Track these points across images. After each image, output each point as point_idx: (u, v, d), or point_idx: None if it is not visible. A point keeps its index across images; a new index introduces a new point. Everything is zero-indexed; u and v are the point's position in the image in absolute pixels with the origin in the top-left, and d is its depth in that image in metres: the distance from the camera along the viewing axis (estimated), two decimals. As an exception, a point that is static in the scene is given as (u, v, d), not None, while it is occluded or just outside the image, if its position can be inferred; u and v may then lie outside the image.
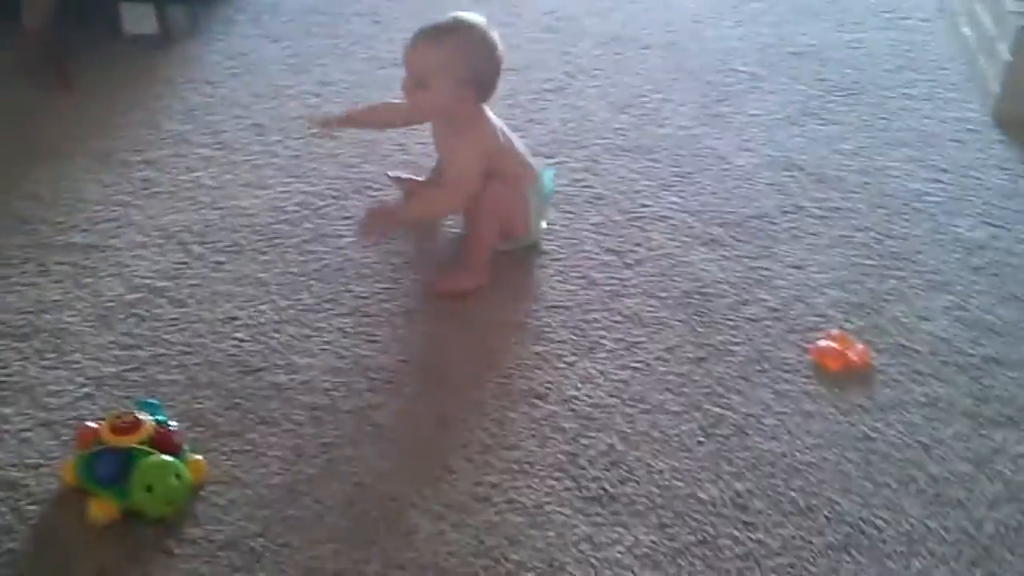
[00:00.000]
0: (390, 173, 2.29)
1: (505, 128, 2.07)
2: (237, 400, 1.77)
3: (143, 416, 1.60)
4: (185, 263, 2.08)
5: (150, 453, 1.54)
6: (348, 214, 2.20)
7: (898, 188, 2.34)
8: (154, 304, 1.97)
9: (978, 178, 2.38)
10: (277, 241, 2.14)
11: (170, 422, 1.64)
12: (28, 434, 1.68)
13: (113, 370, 1.81)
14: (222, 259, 2.09)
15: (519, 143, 2.10)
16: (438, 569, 1.50)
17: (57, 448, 1.66)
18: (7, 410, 1.72)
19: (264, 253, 2.11)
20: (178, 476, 1.53)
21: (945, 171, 2.41)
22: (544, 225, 2.14)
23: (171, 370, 1.81)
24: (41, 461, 1.64)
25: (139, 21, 2.83)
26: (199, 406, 1.75)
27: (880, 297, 2.02)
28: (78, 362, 1.84)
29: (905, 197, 2.31)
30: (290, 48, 2.87)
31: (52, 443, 1.67)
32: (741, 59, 2.84)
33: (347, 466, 1.66)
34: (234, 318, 1.95)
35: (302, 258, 2.09)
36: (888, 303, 2.01)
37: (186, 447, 1.62)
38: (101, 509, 1.53)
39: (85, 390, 1.76)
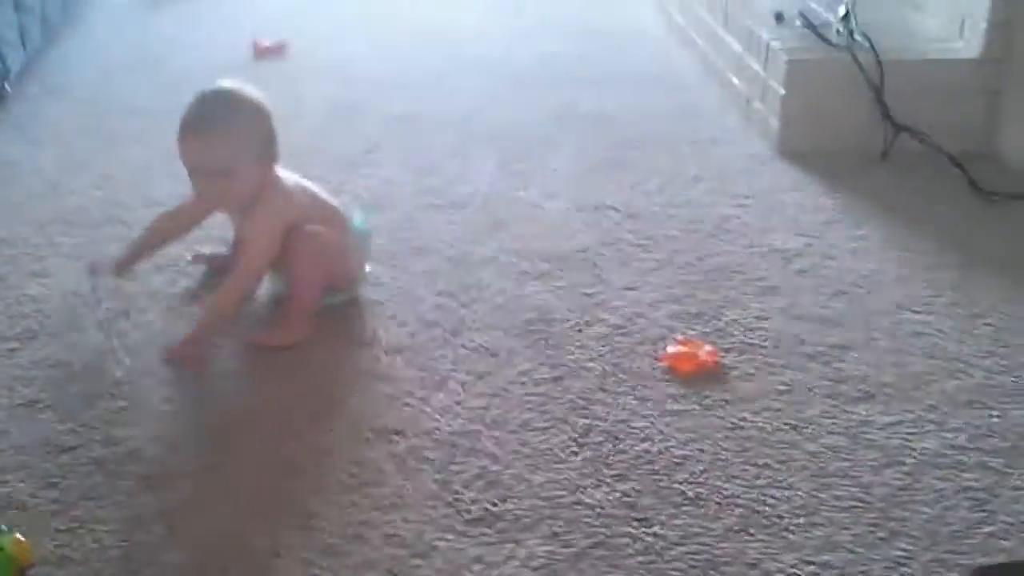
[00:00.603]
0: (190, 255, 2.11)
1: (302, 181, 1.96)
2: (53, 479, 1.55)
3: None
4: (-35, 356, 1.84)
5: (-41, 532, 1.31)
6: (153, 288, 2.02)
7: (706, 215, 2.38)
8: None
9: (779, 199, 2.46)
10: (75, 322, 1.93)
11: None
12: None
13: None
14: (15, 346, 1.86)
15: (322, 192, 2.00)
16: (317, 615, 1.33)
17: None
18: None
19: (62, 335, 1.89)
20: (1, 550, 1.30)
21: (747, 197, 2.47)
22: (367, 269, 2.04)
23: (-33, 461, 1.57)
24: None
25: None
26: (6, 490, 1.52)
27: (715, 305, 2.02)
28: None
29: (715, 221, 2.35)
30: (61, 149, 2.68)
31: None
32: (531, 125, 2.86)
33: (194, 529, 1.46)
34: (36, 401, 1.72)
35: (105, 335, 1.89)
36: (724, 309, 2.01)
37: (3, 526, 1.38)
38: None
39: None
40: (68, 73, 3.19)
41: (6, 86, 2.93)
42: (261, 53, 3.40)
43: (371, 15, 3.85)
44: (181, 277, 2.07)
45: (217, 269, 2.06)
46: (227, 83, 1.87)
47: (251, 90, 1.87)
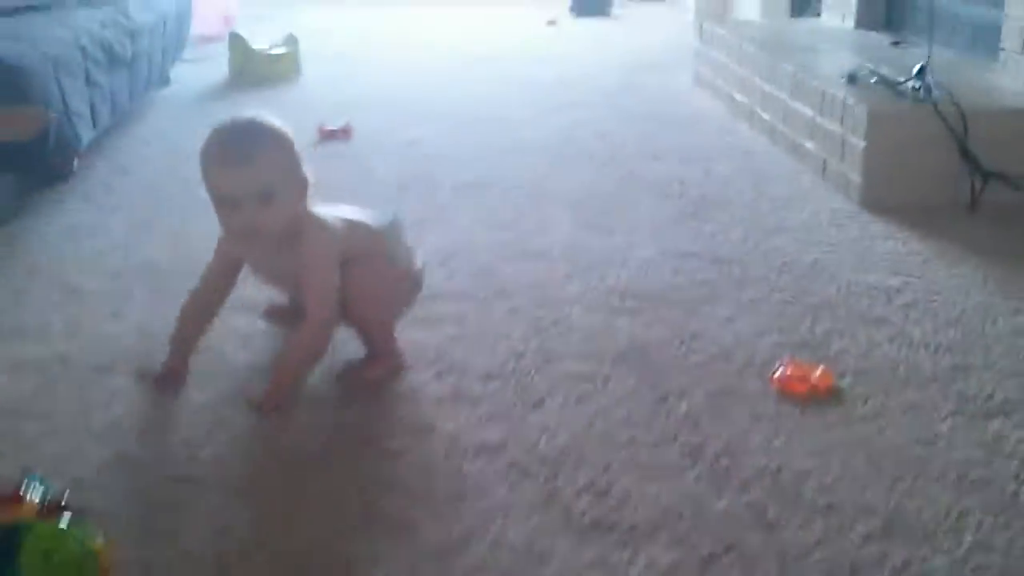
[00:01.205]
0: (264, 315, 2.01)
1: (327, 205, 1.79)
2: (136, 493, 1.46)
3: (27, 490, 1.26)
4: (49, 385, 1.76)
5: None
6: (234, 325, 1.95)
7: (796, 260, 2.29)
8: (16, 423, 1.64)
9: (869, 246, 2.37)
10: (152, 354, 1.85)
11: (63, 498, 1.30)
12: None
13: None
14: (92, 376, 1.79)
15: (347, 209, 1.83)
16: (428, 616, 1.21)
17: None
18: None
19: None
20: (82, 541, 1.20)
21: (835, 245, 2.38)
22: (418, 262, 1.92)
23: (46, 477, 1.47)
24: None
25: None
26: (89, 505, 1.41)
27: (821, 336, 1.92)
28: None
29: (807, 264, 2.26)
30: (129, 215, 2.64)
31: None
32: (601, 190, 2.81)
33: (286, 539, 1.36)
34: (115, 424, 1.64)
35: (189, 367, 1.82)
36: (831, 339, 1.90)
37: (88, 528, 1.28)
38: (-23, 609, 1.16)
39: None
40: (134, 154, 3.19)
41: (75, 161, 2.93)
42: (326, 136, 3.40)
43: (432, 103, 3.86)
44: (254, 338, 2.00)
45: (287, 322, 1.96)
46: (246, 113, 1.74)
47: (269, 116, 1.74)
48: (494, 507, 1.42)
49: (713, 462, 1.52)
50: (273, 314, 2.01)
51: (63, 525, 1.21)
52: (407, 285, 1.88)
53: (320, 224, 1.73)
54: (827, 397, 1.69)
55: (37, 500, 1.25)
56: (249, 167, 1.64)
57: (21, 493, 1.25)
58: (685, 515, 1.39)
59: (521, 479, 1.48)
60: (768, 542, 1.34)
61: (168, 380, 1.75)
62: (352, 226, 1.80)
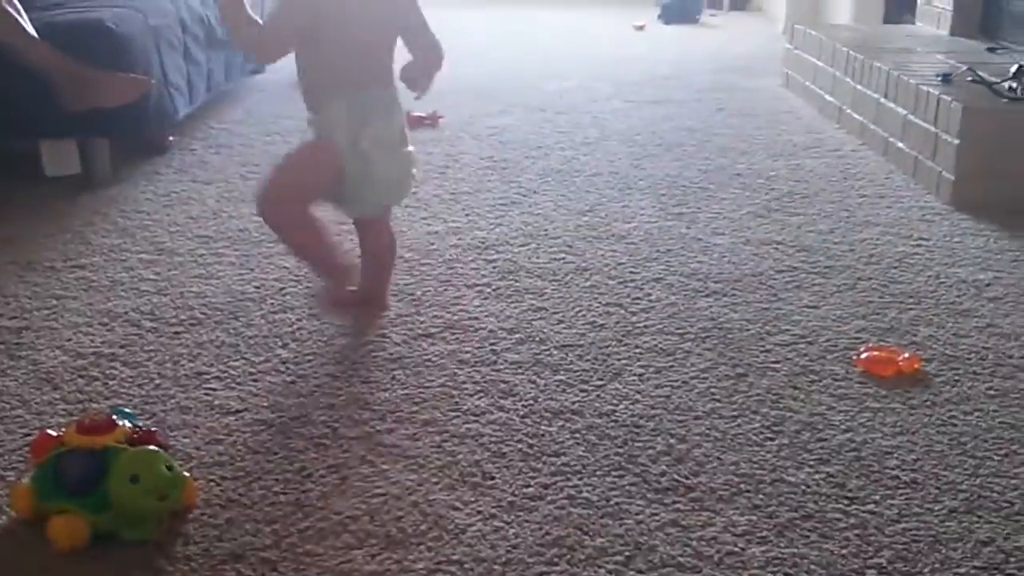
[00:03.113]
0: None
1: None
2: (219, 437, 1.49)
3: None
4: (138, 335, 1.81)
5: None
6: (312, 291, 1.98)
7: (884, 252, 2.26)
8: (105, 368, 1.69)
9: (960, 242, 2.33)
10: (240, 314, 1.89)
11: (151, 432, 1.34)
12: (-39, 477, 1.36)
13: (62, 420, 1.50)
14: (179, 330, 1.83)
15: None
16: (501, 561, 1.21)
17: (0, 488, 1.34)
18: (-67, 456, 1.40)
19: (227, 322, 1.86)
20: (169, 468, 1.23)
21: (925, 239, 2.34)
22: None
23: (136, 417, 1.51)
24: (-20, 499, 1.31)
25: (61, 161, 2.64)
26: (172, 443, 1.45)
27: (907, 322, 1.89)
28: (21, 416, 1.53)
29: (896, 256, 2.23)
30: (223, 187, 2.70)
31: (-8, 484, 1.35)
32: (685, 181, 2.79)
33: (364, 482, 1.38)
34: (202, 373, 1.68)
35: (270, 324, 1.85)
36: (918, 326, 1.87)
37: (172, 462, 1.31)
38: (67, 529, 1.20)
39: (30, 438, 1.44)
40: (229, 132, 3.26)
41: (171, 135, 3.01)
42: (415, 123, 3.43)
43: (521, 96, 3.88)
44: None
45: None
46: None
47: None
48: (570, 466, 1.42)
49: (793, 436, 1.50)
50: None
51: (150, 453, 1.24)
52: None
53: None
54: (913, 379, 1.67)
55: (128, 428, 1.29)
56: None
57: (112, 418, 1.29)
58: (764, 482, 1.38)
59: (598, 441, 1.48)
60: (848, 512, 1.32)
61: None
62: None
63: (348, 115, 1.71)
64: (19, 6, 2.35)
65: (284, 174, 1.78)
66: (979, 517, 1.31)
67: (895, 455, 1.45)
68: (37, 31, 2.37)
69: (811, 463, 1.43)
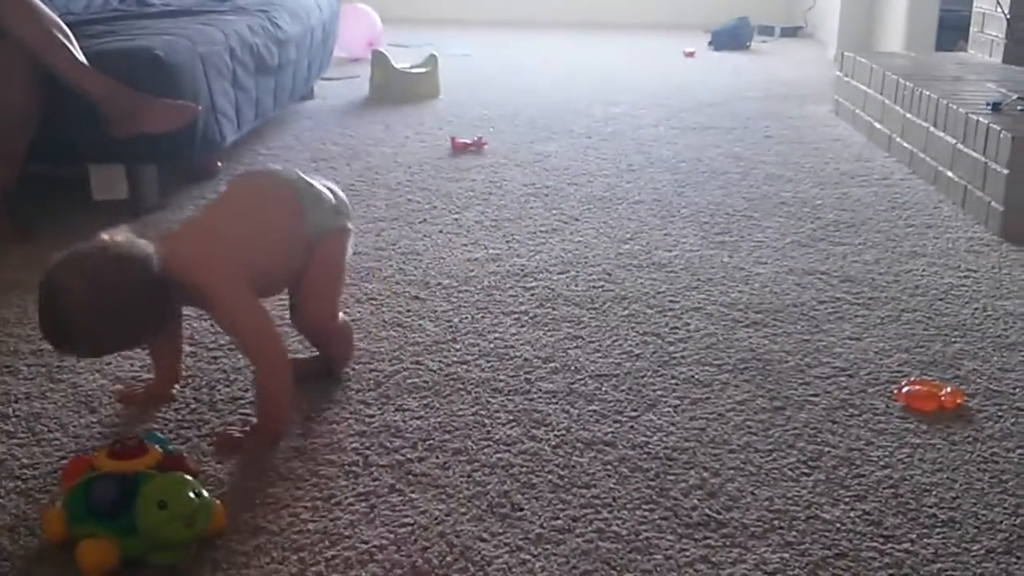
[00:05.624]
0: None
1: (203, 221, 1.69)
2: (250, 463, 1.49)
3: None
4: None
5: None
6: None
7: (930, 283, 2.22)
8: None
9: (1008, 274, 2.28)
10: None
11: (182, 457, 1.35)
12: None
13: (98, 443, 1.52)
14: (218, 355, 1.84)
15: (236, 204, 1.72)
16: (528, 595, 1.20)
17: (33, 511, 1.35)
18: (-30, 478, 1.42)
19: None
20: (197, 494, 1.23)
21: (972, 271, 2.30)
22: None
23: (169, 442, 1.52)
24: (16, 522, 1.33)
25: (109, 186, 2.68)
26: (204, 468, 1.46)
27: (951, 356, 1.85)
28: (57, 439, 1.55)
29: (942, 288, 2.19)
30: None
31: (28, 507, 1.37)
32: (729, 208, 2.77)
33: (392, 511, 1.37)
34: (237, 399, 1.68)
35: (308, 350, 1.86)
36: (962, 360, 1.84)
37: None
38: (95, 553, 1.21)
39: (64, 462, 1.46)
40: (277, 159, 3.29)
41: (218, 162, 3.05)
42: (459, 148, 3.45)
43: (566, 122, 3.88)
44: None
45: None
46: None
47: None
48: (600, 498, 1.40)
49: (830, 472, 1.48)
50: None
51: (179, 480, 1.24)
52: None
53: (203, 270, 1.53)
54: (955, 415, 1.63)
55: (159, 454, 1.30)
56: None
57: (143, 443, 1.30)
58: (798, 519, 1.36)
59: (630, 474, 1.47)
60: (883, 551, 1.29)
61: None
62: (236, 234, 1.62)
63: None
64: (69, 33, 2.39)
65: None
66: (1017, 558, 1.28)
67: (934, 492, 1.42)
68: (87, 58, 2.41)
69: (847, 499, 1.40)
